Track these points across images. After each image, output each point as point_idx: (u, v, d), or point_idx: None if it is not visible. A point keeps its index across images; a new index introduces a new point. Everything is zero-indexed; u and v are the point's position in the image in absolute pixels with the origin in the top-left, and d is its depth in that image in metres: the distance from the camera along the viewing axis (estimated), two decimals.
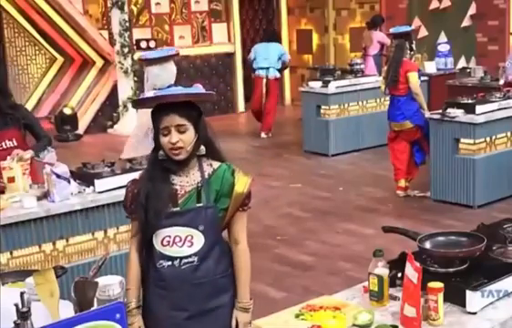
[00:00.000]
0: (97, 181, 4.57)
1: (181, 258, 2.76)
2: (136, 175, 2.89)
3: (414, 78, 7.31)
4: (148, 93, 2.76)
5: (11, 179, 4.51)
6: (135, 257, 2.83)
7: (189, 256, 2.75)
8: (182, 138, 2.70)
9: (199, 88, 2.95)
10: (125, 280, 2.82)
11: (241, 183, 2.80)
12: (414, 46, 7.61)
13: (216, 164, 2.84)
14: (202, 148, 2.81)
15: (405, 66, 7.33)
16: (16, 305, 2.22)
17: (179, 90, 2.80)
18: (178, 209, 2.76)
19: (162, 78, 5.79)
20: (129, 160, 5.01)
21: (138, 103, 2.85)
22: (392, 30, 7.95)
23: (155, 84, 5.76)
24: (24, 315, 2.20)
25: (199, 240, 2.76)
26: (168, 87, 5.53)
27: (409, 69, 7.31)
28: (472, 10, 11.47)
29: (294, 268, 5.80)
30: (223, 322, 2.86)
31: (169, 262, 2.76)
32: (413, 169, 7.66)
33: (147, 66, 6.14)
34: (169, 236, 2.75)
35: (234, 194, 2.78)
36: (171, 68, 5.91)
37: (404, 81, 7.34)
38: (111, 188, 4.55)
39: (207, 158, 2.83)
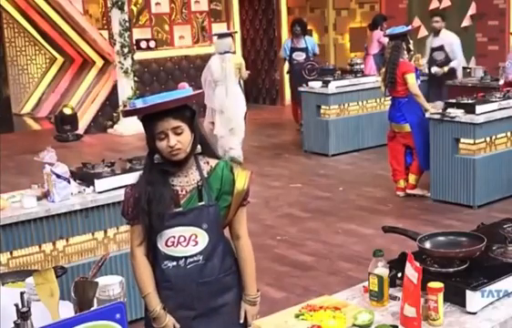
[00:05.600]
0: (97, 181, 4.57)
1: (186, 257, 2.77)
2: (133, 179, 2.87)
3: (411, 80, 7.26)
4: (138, 103, 2.72)
5: None
6: (144, 260, 2.81)
7: (195, 255, 2.77)
8: (180, 139, 2.70)
9: (187, 90, 2.93)
10: (139, 286, 2.82)
11: (241, 180, 2.81)
12: (411, 46, 7.56)
13: (213, 161, 2.84)
14: (198, 146, 2.81)
15: (402, 68, 7.29)
16: (16, 305, 2.22)
17: (169, 96, 2.74)
18: (180, 209, 2.76)
19: (218, 47, 9.04)
20: (129, 160, 5.02)
21: (129, 113, 2.81)
22: (387, 31, 7.93)
23: (215, 50, 9.17)
24: (24, 315, 2.20)
25: (203, 239, 2.77)
26: (225, 53, 8.88)
27: (406, 71, 7.27)
28: (472, 10, 11.47)
29: (294, 268, 5.80)
30: (229, 320, 2.88)
31: (174, 263, 2.77)
32: (412, 169, 7.64)
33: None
34: (174, 236, 2.76)
35: (235, 192, 2.80)
36: (225, 42, 9.03)
37: (402, 83, 7.31)
38: (111, 188, 4.55)
39: (203, 156, 2.84)
